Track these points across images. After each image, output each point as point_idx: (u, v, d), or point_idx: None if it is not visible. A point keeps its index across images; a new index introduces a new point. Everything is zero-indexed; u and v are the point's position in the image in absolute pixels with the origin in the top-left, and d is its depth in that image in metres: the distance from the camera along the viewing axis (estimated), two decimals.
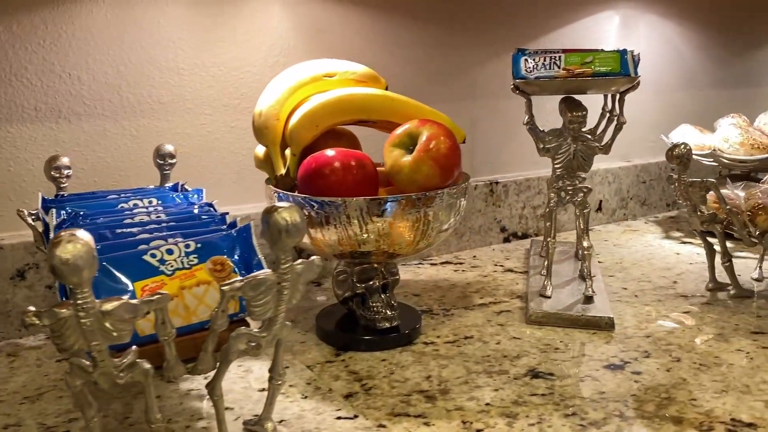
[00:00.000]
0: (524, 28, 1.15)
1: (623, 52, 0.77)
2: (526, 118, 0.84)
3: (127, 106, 0.82)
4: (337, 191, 0.66)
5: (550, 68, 0.78)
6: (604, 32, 1.25)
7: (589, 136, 0.85)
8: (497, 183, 1.12)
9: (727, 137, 1.13)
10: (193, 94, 0.86)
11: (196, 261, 0.52)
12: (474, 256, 1.09)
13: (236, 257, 0.54)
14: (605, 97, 0.91)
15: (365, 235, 0.67)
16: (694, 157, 1.15)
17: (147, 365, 0.46)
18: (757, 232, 0.84)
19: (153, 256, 0.51)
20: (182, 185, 0.73)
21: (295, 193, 0.68)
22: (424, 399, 0.62)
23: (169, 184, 0.75)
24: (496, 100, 1.14)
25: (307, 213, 0.67)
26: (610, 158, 1.31)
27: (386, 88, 0.77)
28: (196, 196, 0.69)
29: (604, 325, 0.79)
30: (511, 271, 1.01)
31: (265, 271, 0.46)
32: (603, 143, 0.85)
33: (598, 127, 0.88)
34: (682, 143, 0.84)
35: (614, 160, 1.33)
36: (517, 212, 1.16)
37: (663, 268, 1.01)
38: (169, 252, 0.51)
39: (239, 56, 0.88)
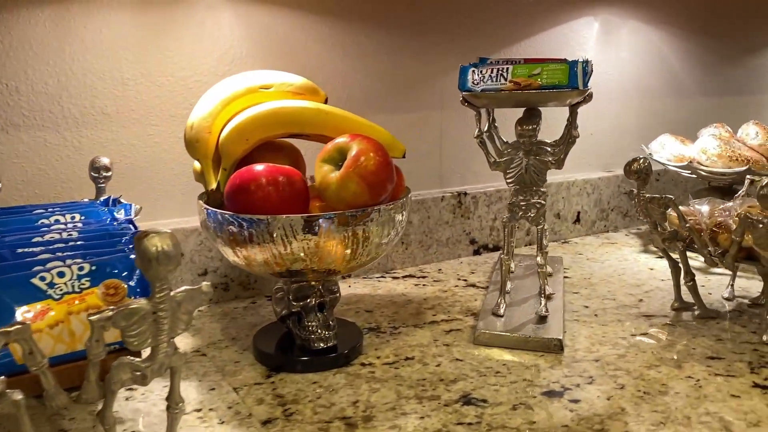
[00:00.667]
0: (496, 35, 1.12)
1: (572, 64, 0.74)
2: (476, 131, 0.81)
3: (69, 117, 0.81)
4: (262, 208, 0.64)
5: (496, 80, 0.75)
6: (583, 38, 1.21)
7: (549, 149, 0.81)
8: (466, 194, 1.10)
9: (706, 148, 1.09)
10: (139, 105, 0.84)
11: (87, 284, 0.50)
12: (439, 270, 1.06)
13: (134, 281, 0.52)
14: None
15: (292, 254, 0.65)
16: (672, 168, 1.12)
17: (17, 396, 0.44)
18: (719, 251, 0.80)
19: (42, 279, 0.49)
20: (114, 199, 0.71)
21: (221, 210, 0.66)
22: (344, 426, 0.60)
23: (103, 198, 0.74)
24: (466, 108, 1.10)
25: (231, 231, 0.65)
26: (590, 168, 1.28)
27: (326, 101, 0.75)
28: (122, 211, 0.67)
29: (552, 348, 0.75)
30: (473, 286, 0.98)
31: (139, 300, 0.44)
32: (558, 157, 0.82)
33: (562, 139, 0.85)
34: (642, 157, 0.81)
35: (595, 170, 1.29)
36: (487, 224, 1.13)
37: (632, 285, 0.98)
38: (60, 275, 0.49)
39: (187, 65, 0.86)
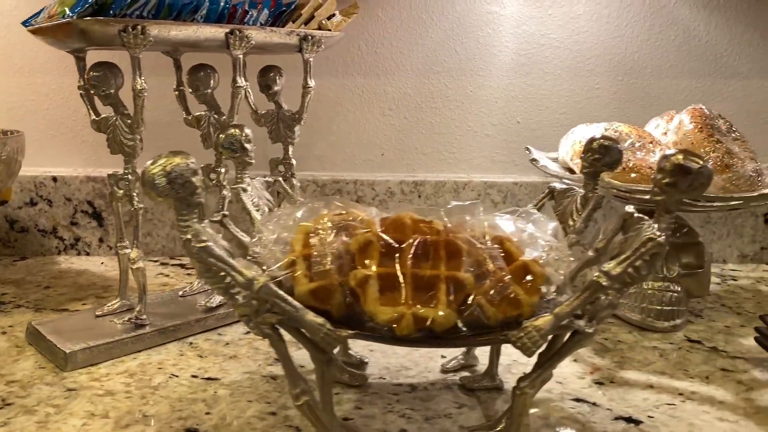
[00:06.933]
0: None
1: None
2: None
3: None
4: None
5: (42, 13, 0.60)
6: None
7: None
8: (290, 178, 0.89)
9: (576, 145, 0.69)
10: None
11: None
12: None
13: None
14: None
15: None
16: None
17: None
18: None
19: None
20: None
21: None
22: None
23: None
24: (313, 76, 0.89)
25: None
26: (511, 168, 0.92)
27: None
28: None
29: (58, 362, 0.58)
30: None
31: None
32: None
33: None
34: (238, 127, 0.56)
35: (522, 172, 0.92)
36: None
37: None
38: None
39: None
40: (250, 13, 0.64)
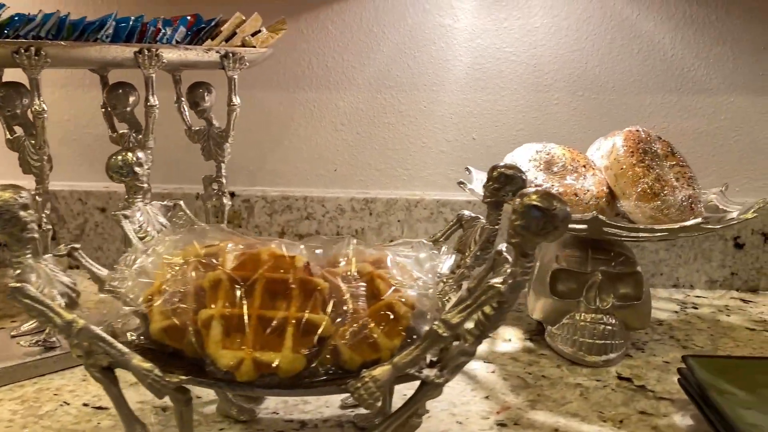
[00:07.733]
0: None
1: None
2: None
3: None
4: None
5: None
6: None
7: None
8: (234, 195, 0.87)
9: None
10: None
11: None
12: None
13: None
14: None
15: None
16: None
17: None
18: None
19: None
20: None
21: None
22: None
23: None
24: (267, 88, 0.88)
25: None
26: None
27: None
28: None
29: None
30: None
31: None
32: None
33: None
34: (131, 150, 0.54)
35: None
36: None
37: None
38: None
39: None
40: (164, 31, 0.62)
